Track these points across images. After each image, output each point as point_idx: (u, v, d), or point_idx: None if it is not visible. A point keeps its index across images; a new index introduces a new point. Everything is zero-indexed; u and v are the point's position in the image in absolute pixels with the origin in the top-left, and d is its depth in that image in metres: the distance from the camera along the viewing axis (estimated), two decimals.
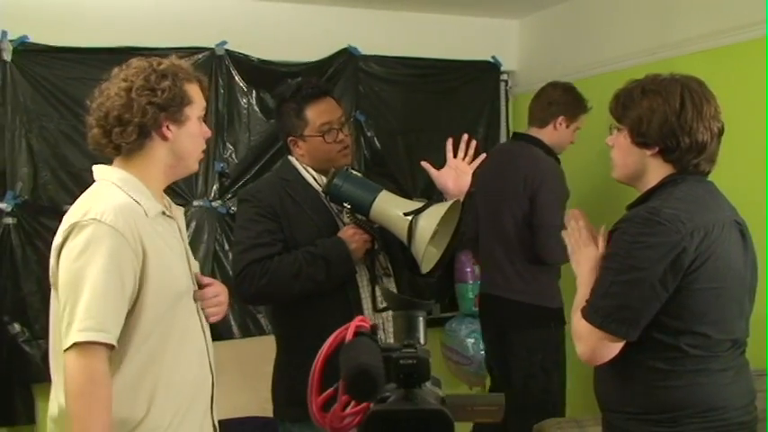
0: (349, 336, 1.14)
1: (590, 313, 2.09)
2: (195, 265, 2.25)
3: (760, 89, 3.39)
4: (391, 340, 1.29)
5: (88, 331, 1.87)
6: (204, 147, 2.20)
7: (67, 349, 1.88)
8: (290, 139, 2.72)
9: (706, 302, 2.06)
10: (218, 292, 2.23)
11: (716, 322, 2.08)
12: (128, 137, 2.04)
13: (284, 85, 2.80)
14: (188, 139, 2.11)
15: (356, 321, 1.16)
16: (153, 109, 2.03)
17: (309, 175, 2.71)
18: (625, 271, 2.04)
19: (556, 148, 4.00)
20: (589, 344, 2.09)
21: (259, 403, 3.64)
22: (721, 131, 2.16)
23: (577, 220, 2.29)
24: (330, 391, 1.16)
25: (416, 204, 2.50)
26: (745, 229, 2.17)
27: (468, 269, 4.61)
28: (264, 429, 3.57)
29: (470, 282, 4.62)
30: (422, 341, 1.24)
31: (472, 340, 4.55)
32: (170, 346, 2.04)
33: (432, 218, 2.43)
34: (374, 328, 1.19)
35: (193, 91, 2.12)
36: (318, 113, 2.67)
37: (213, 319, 2.24)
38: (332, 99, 2.75)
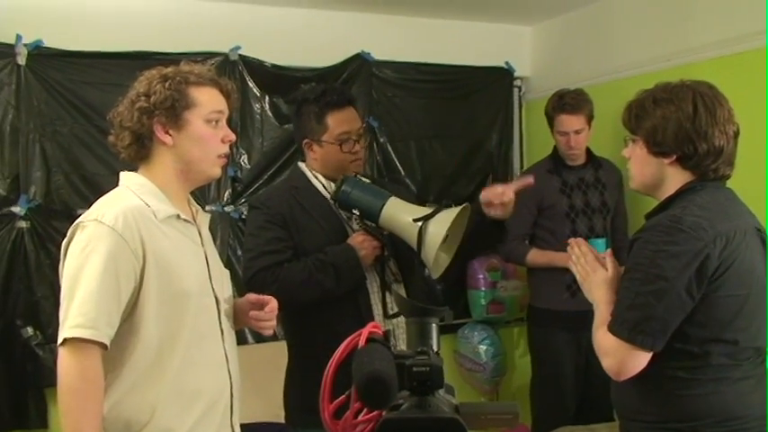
0: (362, 342, 1.13)
1: (616, 326, 2.06)
2: (224, 273, 2.26)
3: None
4: (403, 347, 1.28)
5: (78, 328, 1.88)
6: (222, 151, 2.15)
7: (61, 345, 1.90)
8: (305, 141, 2.71)
9: (731, 310, 2.04)
10: (274, 308, 2.25)
11: (742, 329, 2.05)
12: (123, 142, 2.10)
13: (309, 88, 2.80)
14: (190, 143, 2.10)
15: (369, 327, 1.14)
16: (142, 114, 2.06)
17: (319, 182, 2.71)
18: (650, 281, 2.01)
19: (563, 155, 4.00)
20: (617, 357, 2.06)
21: (272, 409, 3.63)
22: (737, 134, 2.13)
23: (579, 247, 2.28)
24: (342, 398, 1.15)
25: (425, 210, 2.50)
26: (765, 237, 2.15)
27: (481, 276, 4.59)
28: None
29: (483, 289, 4.60)
30: (434, 348, 1.23)
31: (484, 347, 4.54)
32: (178, 349, 2.03)
33: (441, 224, 2.43)
34: (387, 335, 1.18)
35: (202, 94, 2.11)
36: (339, 122, 2.67)
37: (267, 332, 2.29)
38: (354, 109, 2.74)
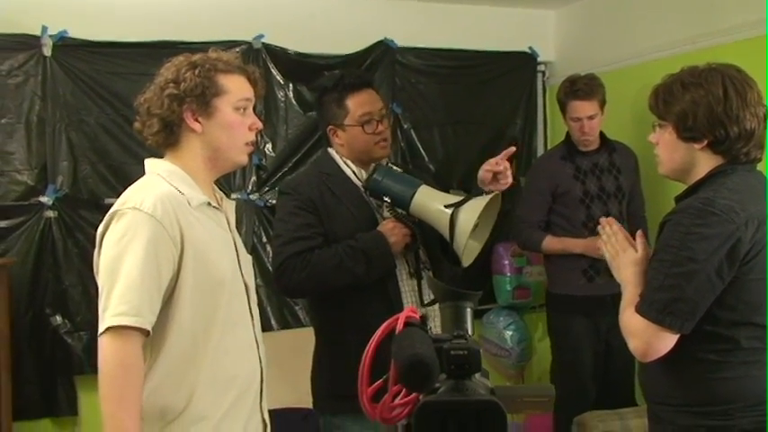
0: (399, 326, 1.13)
1: (644, 307, 2.05)
2: (248, 259, 2.26)
3: None
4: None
5: (123, 316, 1.88)
6: (250, 139, 2.16)
7: (102, 334, 1.90)
8: (329, 128, 2.72)
9: (762, 293, 2.02)
10: None
11: None
12: (150, 129, 2.10)
13: (327, 76, 2.82)
14: (219, 130, 2.10)
15: (406, 312, 1.15)
16: (172, 101, 2.06)
17: (349, 169, 2.70)
18: (680, 263, 2.00)
19: (576, 141, 4.00)
20: (644, 338, 2.05)
21: (298, 395, 3.65)
22: (766, 115, 2.12)
23: (610, 226, 2.27)
24: (380, 381, 1.15)
25: (456, 198, 2.49)
26: None
27: (506, 261, 4.59)
28: (305, 421, 3.59)
29: (508, 274, 4.60)
30: (469, 332, 1.23)
31: (510, 332, 4.55)
32: (213, 336, 2.04)
33: (472, 211, 2.42)
34: (424, 319, 1.18)
35: (231, 82, 2.11)
36: (359, 104, 2.67)
37: None
38: (373, 91, 2.75)
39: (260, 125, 2.18)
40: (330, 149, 2.77)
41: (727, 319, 2.03)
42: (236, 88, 2.12)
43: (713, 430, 2.07)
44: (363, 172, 2.66)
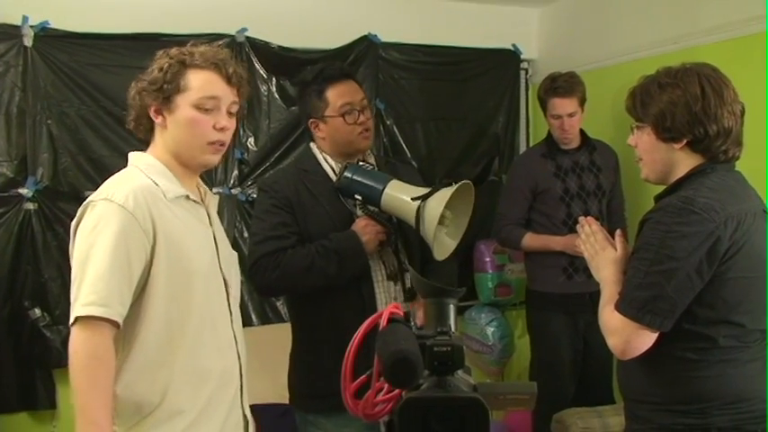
0: (383, 323, 1.13)
1: (624, 305, 2.06)
2: (231, 255, 2.26)
3: None
4: None
5: (91, 306, 1.88)
6: (213, 138, 2.10)
7: (72, 324, 1.90)
8: (311, 121, 2.71)
9: (740, 292, 2.04)
10: None
11: (749, 312, 2.06)
12: (128, 121, 2.15)
13: (307, 70, 2.81)
14: (179, 127, 2.08)
15: (390, 308, 1.15)
16: (139, 93, 2.09)
17: (328, 165, 2.70)
18: (660, 261, 2.01)
19: (557, 139, 4.02)
20: (623, 336, 2.06)
21: (277, 390, 3.63)
22: (743, 112, 2.13)
23: (590, 226, 2.28)
24: (363, 378, 1.15)
25: (425, 190, 2.49)
26: None
27: (488, 258, 4.60)
28: (284, 417, 3.57)
29: (490, 271, 4.61)
30: (453, 329, 1.23)
31: (492, 329, 4.57)
32: (189, 330, 2.03)
33: (439, 201, 2.42)
34: (407, 316, 1.18)
35: (196, 79, 2.08)
36: (339, 94, 2.67)
37: None
38: (354, 82, 2.74)
39: (225, 125, 2.11)
40: (312, 145, 2.77)
41: (705, 318, 2.04)
42: (200, 86, 2.08)
43: (690, 428, 2.08)
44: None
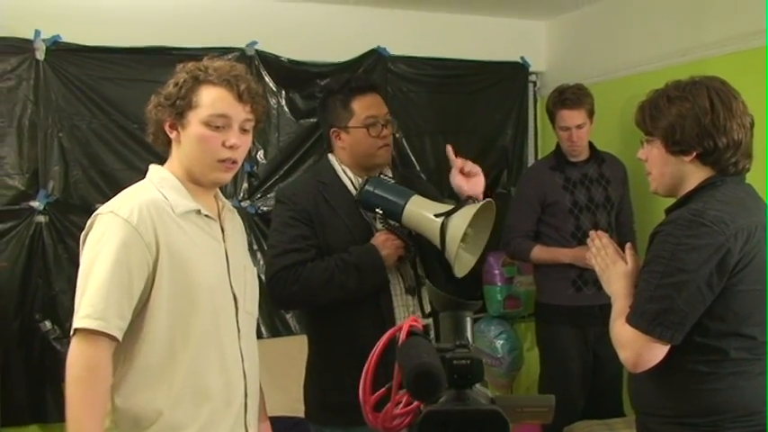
0: (403, 336, 1.14)
1: (635, 318, 2.06)
2: (249, 271, 2.24)
3: None
4: None
5: (87, 319, 1.88)
6: (223, 156, 2.07)
7: (72, 336, 1.91)
8: (332, 130, 2.69)
9: (750, 304, 2.04)
10: None
11: (760, 324, 2.06)
12: (148, 134, 2.15)
13: (332, 79, 2.80)
14: (189, 144, 2.07)
15: (409, 321, 1.15)
16: (156, 107, 2.09)
17: (347, 178, 2.68)
18: (671, 274, 2.01)
19: (565, 152, 4.02)
20: (634, 349, 2.06)
21: (288, 403, 3.64)
22: (752, 124, 2.14)
23: (600, 239, 2.28)
24: (382, 390, 1.16)
25: (448, 206, 2.46)
26: None
27: (497, 271, 4.61)
28: (295, 429, 3.57)
29: (499, 284, 4.62)
30: (470, 341, 1.24)
31: (501, 341, 4.57)
32: (191, 345, 2.02)
33: (462, 218, 2.39)
34: (426, 329, 1.18)
35: (207, 96, 2.06)
36: (365, 106, 2.65)
37: None
38: (379, 95, 2.73)
39: (235, 143, 2.07)
40: (330, 156, 2.75)
41: (716, 330, 2.04)
42: (210, 103, 2.06)
43: None
44: (361, 181, 2.64)
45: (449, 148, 2.62)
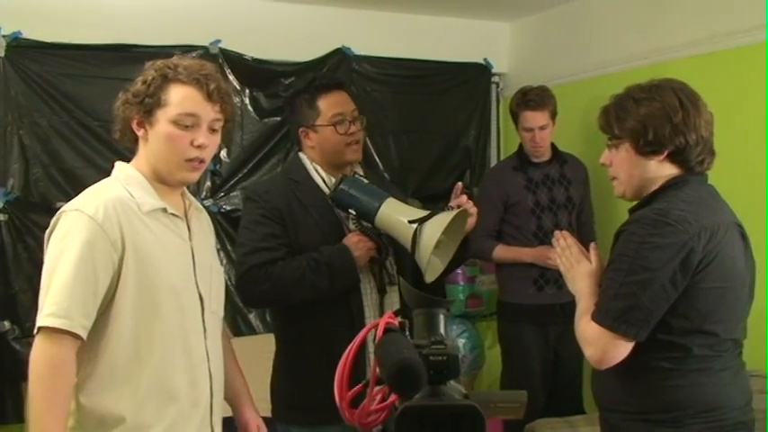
0: (380, 333, 1.15)
1: (600, 315, 2.09)
2: (212, 270, 2.22)
3: (755, 94, 3.43)
4: None
5: (51, 317, 1.87)
6: (191, 155, 2.06)
7: (36, 334, 1.90)
8: (301, 130, 2.68)
9: (713, 302, 2.08)
10: None
11: (722, 321, 2.10)
12: (114, 131, 2.14)
13: (298, 79, 2.79)
14: (156, 142, 2.06)
15: (386, 318, 1.16)
16: (123, 104, 2.08)
17: (319, 176, 2.67)
18: (636, 272, 2.04)
19: (528, 152, 4.06)
20: (600, 346, 2.08)
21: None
22: (712, 121, 2.17)
23: (565, 240, 2.31)
24: (359, 386, 1.16)
25: (422, 212, 2.46)
26: (744, 232, 2.19)
27: (459, 270, 4.62)
28: None
29: (461, 283, 4.65)
30: (444, 338, 1.24)
31: (463, 340, 4.59)
32: (157, 345, 2.01)
33: (437, 226, 2.38)
34: (402, 326, 1.19)
35: (176, 94, 2.04)
36: (331, 104, 2.65)
37: None
38: (345, 92, 2.73)
39: (203, 142, 2.05)
40: (301, 154, 2.73)
41: (679, 328, 2.07)
42: (178, 102, 2.04)
43: None
44: (333, 179, 2.62)
45: (459, 185, 2.60)
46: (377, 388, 1.14)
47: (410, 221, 2.42)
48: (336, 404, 1.21)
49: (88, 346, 1.95)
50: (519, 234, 4.01)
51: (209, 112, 2.08)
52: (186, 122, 2.04)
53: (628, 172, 2.20)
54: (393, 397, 1.13)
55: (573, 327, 2.24)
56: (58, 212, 2.00)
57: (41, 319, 1.89)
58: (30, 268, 3.76)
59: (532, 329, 4.00)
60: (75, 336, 1.90)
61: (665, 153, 2.13)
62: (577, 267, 2.25)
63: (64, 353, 1.89)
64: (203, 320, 2.13)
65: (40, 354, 1.89)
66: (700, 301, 2.07)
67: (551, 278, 3.86)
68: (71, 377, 1.92)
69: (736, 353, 2.19)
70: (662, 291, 2.03)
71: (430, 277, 2.48)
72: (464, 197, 2.54)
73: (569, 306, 2.23)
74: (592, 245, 2.30)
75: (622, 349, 2.07)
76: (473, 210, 2.53)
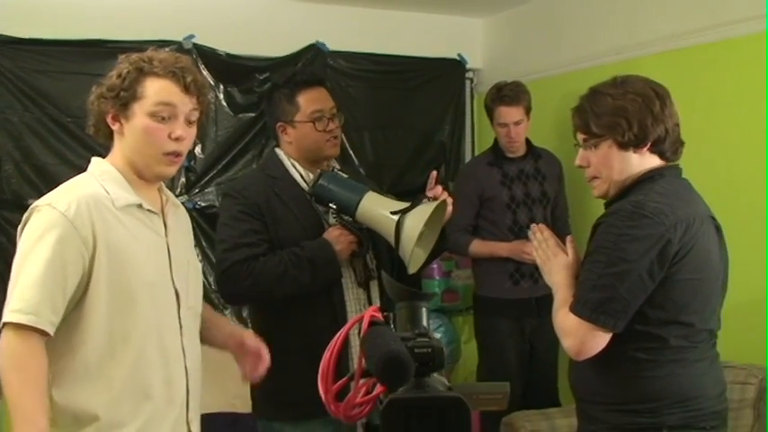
0: (365, 326, 1.15)
1: (578, 306, 2.11)
2: (192, 267, 2.22)
3: (724, 90, 3.47)
4: None
5: (18, 313, 1.86)
6: (169, 149, 2.05)
7: (2, 329, 1.88)
8: (279, 124, 2.68)
9: (688, 293, 2.10)
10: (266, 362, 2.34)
11: (697, 312, 2.13)
12: (88, 126, 2.12)
13: (277, 73, 2.77)
14: (133, 136, 2.05)
15: (370, 311, 1.17)
16: (98, 98, 2.06)
17: (297, 172, 2.67)
18: (613, 263, 2.06)
19: (503, 147, 4.08)
20: (578, 337, 2.10)
21: (226, 399, 3.62)
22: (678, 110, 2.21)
23: (542, 233, 2.33)
24: (345, 379, 1.17)
25: (403, 204, 2.47)
26: (719, 225, 2.22)
27: (435, 265, 4.64)
28: (235, 425, 3.56)
29: (437, 277, 4.66)
30: (428, 330, 1.25)
31: (439, 335, 4.59)
32: (132, 342, 2.00)
33: (419, 217, 2.40)
34: (387, 319, 1.20)
35: (152, 87, 2.03)
36: (311, 100, 2.65)
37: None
38: (325, 89, 2.74)
39: (181, 134, 2.05)
40: (278, 150, 2.73)
41: (656, 318, 2.10)
42: (155, 94, 2.03)
43: (642, 427, 2.14)
44: (311, 175, 2.62)
45: (434, 174, 2.61)
46: (362, 381, 1.14)
47: (392, 213, 2.43)
48: (320, 398, 1.21)
49: (61, 342, 1.94)
50: (494, 229, 4.03)
51: (186, 104, 2.07)
52: (163, 114, 2.03)
53: (610, 169, 2.19)
54: (378, 389, 1.13)
55: (548, 320, 2.26)
56: (31, 207, 1.99)
57: (8, 315, 1.87)
58: (1, 266, 3.71)
59: (508, 323, 4.02)
60: (42, 332, 1.88)
61: (648, 144, 2.15)
62: (554, 260, 2.27)
63: (31, 349, 1.88)
64: (179, 317, 2.12)
65: (5, 348, 1.88)
66: (676, 293, 2.09)
67: (527, 272, 3.88)
68: (42, 368, 1.90)
69: (710, 343, 2.22)
70: (639, 282, 2.05)
71: (413, 268, 2.49)
72: (439, 188, 2.55)
73: (545, 300, 2.25)
74: (568, 237, 2.32)
75: (600, 340, 2.10)
76: (450, 200, 2.54)
